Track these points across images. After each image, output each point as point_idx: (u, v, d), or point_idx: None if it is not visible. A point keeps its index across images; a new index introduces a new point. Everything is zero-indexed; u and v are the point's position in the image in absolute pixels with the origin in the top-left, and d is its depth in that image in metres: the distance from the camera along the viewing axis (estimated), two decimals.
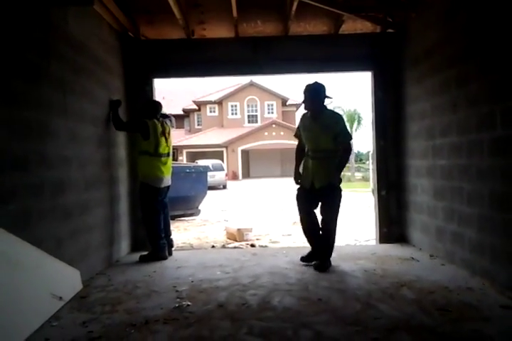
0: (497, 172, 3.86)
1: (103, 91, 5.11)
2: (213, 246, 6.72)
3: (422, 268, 4.56)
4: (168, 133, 5.45)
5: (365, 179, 27.32)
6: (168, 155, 5.43)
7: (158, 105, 5.51)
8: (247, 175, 35.33)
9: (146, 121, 5.23)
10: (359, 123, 31.92)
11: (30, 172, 3.45)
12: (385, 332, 2.89)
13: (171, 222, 5.83)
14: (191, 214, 10.90)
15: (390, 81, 6.08)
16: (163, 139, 5.30)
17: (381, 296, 3.65)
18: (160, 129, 5.28)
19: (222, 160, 30.41)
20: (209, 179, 12.69)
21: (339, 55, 6.04)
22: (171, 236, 5.64)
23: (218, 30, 6.14)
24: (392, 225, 6.11)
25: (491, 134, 3.93)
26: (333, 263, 4.86)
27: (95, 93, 4.87)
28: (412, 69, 5.66)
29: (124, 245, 5.59)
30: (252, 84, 36.64)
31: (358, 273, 4.42)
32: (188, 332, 2.96)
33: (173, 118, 5.85)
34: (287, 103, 38.15)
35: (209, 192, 11.96)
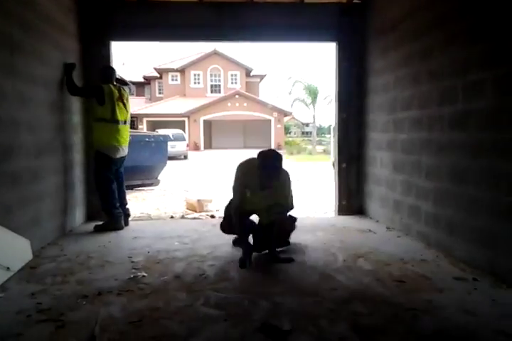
0: (456, 146, 3.89)
1: (56, 52, 4.82)
2: (172, 217, 6.61)
3: (379, 240, 4.63)
4: (126, 100, 5.23)
5: (327, 152, 27.58)
6: (125, 122, 5.22)
7: (112, 69, 5.28)
8: (209, 145, 35.03)
9: (102, 85, 5.00)
10: (316, 97, 32.05)
11: None
12: (341, 302, 2.91)
13: (128, 191, 5.68)
14: (150, 185, 10.69)
15: (354, 53, 6.00)
16: (120, 105, 5.09)
17: (339, 267, 3.68)
18: (116, 95, 5.06)
19: (184, 130, 29.93)
20: (170, 149, 12.42)
21: (304, 25, 5.90)
22: (127, 206, 5.50)
23: None
24: (351, 197, 6.16)
25: (452, 108, 3.95)
26: (292, 234, 4.86)
27: (47, 54, 4.59)
28: (377, 42, 5.59)
29: (78, 214, 5.41)
30: (215, 53, 35.88)
31: (317, 245, 4.43)
32: (142, 304, 2.88)
33: (132, 86, 5.63)
34: (251, 74, 37.67)
35: (169, 163, 11.75)
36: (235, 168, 3.90)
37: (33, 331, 2.47)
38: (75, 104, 5.33)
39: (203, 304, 2.88)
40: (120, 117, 5.11)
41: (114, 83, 5.19)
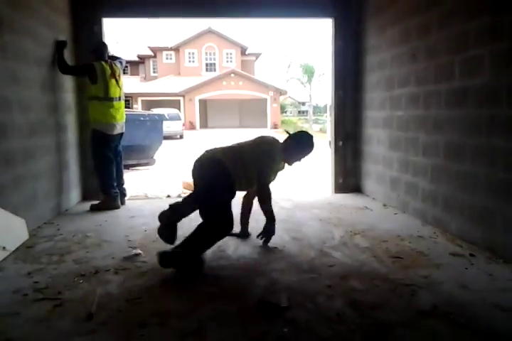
0: (453, 123, 3.86)
1: (48, 30, 4.71)
2: (169, 196, 6.59)
3: (376, 217, 4.64)
4: (119, 76, 5.14)
5: (323, 131, 27.50)
6: (119, 99, 5.15)
7: (104, 46, 5.17)
8: (204, 125, 34.84)
9: (93, 63, 4.91)
10: (313, 75, 31.87)
11: None
12: (338, 279, 2.92)
13: (124, 171, 5.64)
14: (146, 164, 10.66)
15: (351, 30, 5.89)
16: (113, 82, 5.01)
17: (335, 244, 3.68)
18: (109, 71, 4.97)
19: (179, 110, 29.73)
20: (165, 129, 12.35)
21: (300, 0, 5.78)
22: (124, 185, 5.48)
23: None
24: (348, 176, 6.15)
25: (449, 85, 3.91)
26: (289, 212, 4.87)
27: (38, 32, 4.48)
28: (375, 18, 5.49)
29: (74, 194, 5.38)
30: (210, 31, 35.35)
31: (313, 222, 4.44)
32: (140, 282, 2.89)
33: (123, 60, 5.51)
34: (246, 52, 37.23)
35: (165, 142, 11.71)
36: (270, 149, 3.53)
37: (31, 310, 2.47)
38: (68, 83, 5.24)
39: (201, 282, 2.89)
40: (114, 94, 5.03)
41: (106, 59, 5.09)
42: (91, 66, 4.90)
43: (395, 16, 4.88)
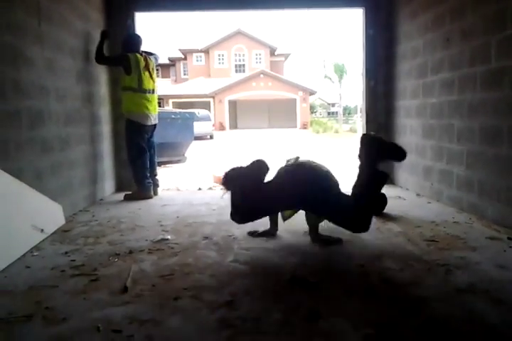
0: (489, 106, 3.77)
1: (82, 22, 4.82)
2: (200, 189, 6.65)
3: (409, 206, 4.56)
4: (152, 69, 5.22)
5: (353, 131, 27.31)
6: (153, 91, 5.23)
7: (138, 38, 5.26)
8: (234, 126, 35.01)
9: (128, 54, 5.00)
10: (343, 74, 31.62)
11: (5, 100, 3.28)
12: (371, 259, 2.89)
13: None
14: (177, 161, 10.76)
15: (382, 18, 5.83)
16: (146, 74, 5.09)
17: None
18: (143, 63, 5.06)
19: (209, 111, 29.94)
20: (196, 129, 12.45)
21: None
22: (157, 177, 5.55)
23: None
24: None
25: (485, 67, 3.82)
26: None
27: (73, 24, 4.59)
28: (406, 5, 5.41)
29: (108, 185, 5.49)
30: (239, 32, 35.60)
31: None
32: (173, 260, 2.92)
33: (157, 55, 5.60)
34: (275, 53, 37.27)
35: (196, 142, 11.80)
36: None
37: (68, 284, 2.53)
38: (102, 75, 5.35)
39: (232, 261, 2.90)
40: (147, 86, 5.11)
41: (140, 52, 5.18)
42: (125, 57, 4.99)
43: (428, 1, 4.80)
